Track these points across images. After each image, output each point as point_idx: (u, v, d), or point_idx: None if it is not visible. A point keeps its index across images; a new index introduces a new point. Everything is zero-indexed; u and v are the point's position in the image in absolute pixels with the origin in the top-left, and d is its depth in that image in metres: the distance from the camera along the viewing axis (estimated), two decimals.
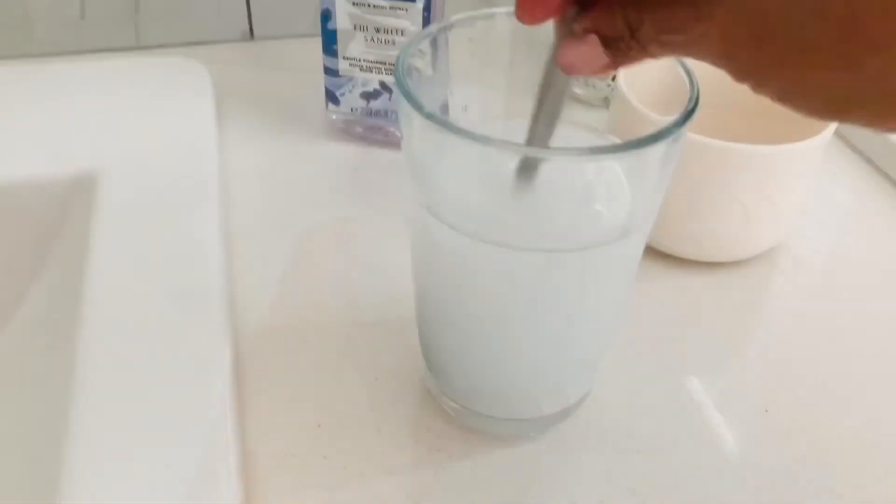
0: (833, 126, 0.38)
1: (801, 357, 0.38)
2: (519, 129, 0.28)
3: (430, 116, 0.24)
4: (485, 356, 0.31)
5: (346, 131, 0.48)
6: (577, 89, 0.48)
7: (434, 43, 0.30)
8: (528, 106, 0.32)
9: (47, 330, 0.39)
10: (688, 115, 0.24)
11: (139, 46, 0.55)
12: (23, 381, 0.39)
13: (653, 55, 0.21)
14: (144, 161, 0.42)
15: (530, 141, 0.26)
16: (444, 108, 0.37)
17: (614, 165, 0.26)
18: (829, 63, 0.18)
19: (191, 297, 0.35)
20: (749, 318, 0.40)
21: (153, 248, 0.38)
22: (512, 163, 0.27)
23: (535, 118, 0.26)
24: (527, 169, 0.26)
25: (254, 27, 0.57)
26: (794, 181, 0.39)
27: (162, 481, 0.28)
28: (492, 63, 0.32)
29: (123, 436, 0.30)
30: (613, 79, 0.46)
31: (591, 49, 0.22)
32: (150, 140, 0.43)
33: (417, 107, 0.25)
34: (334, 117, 0.48)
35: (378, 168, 0.47)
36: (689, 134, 0.37)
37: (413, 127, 0.26)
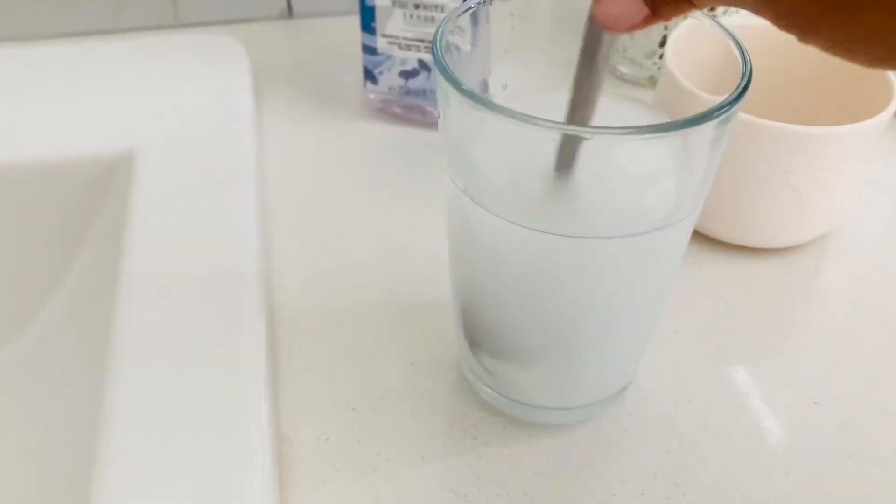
0: (892, 108, 0.36)
1: (853, 349, 0.36)
2: (561, 109, 0.27)
3: (467, 93, 0.24)
4: (523, 343, 0.30)
5: (385, 111, 0.48)
6: (622, 68, 0.47)
7: (474, 18, 0.29)
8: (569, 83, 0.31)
9: (84, 309, 0.40)
10: (741, 92, 0.23)
11: (177, 24, 0.55)
12: (60, 358, 0.39)
13: (692, 2, 0.20)
14: (181, 140, 0.42)
15: (569, 117, 0.25)
16: (485, 86, 0.36)
17: (661, 146, 0.24)
18: (886, 3, 0.16)
19: (227, 277, 0.35)
20: (799, 307, 0.38)
21: (190, 228, 0.37)
22: (553, 144, 0.26)
23: (575, 90, 0.24)
24: (566, 151, 0.25)
25: (292, 5, 0.56)
26: (848, 164, 0.37)
27: (195, 463, 0.28)
28: (533, 39, 0.31)
29: (156, 417, 0.29)
30: (660, 57, 0.44)
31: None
32: (187, 119, 0.43)
33: (454, 83, 0.24)
34: (372, 97, 0.47)
35: (416, 148, 0.46)
36: (741, 113, 0.35)
37: (450, 105, 0.25)
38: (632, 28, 0.21)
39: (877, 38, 0.17)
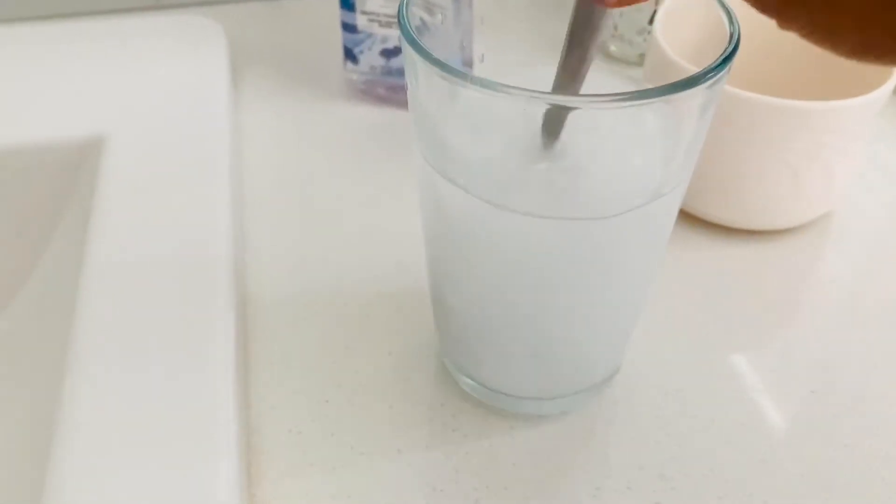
0: (892, 82, 0.35)
1: (851, 335, 0.34)
2: (542, 81, 0.25)
3: (436, 63, 0.22)
4: (502, 330, 0.28)
5: (367, 92, 0.46)
6: (613, 46, 0.45)
7: None
8: (551, 55, 0.30)
9: (54, 298, 0.38)
10: (728, 55, 0.21)
11: (157, 6, 0.53)
12: (30, 346, 0.38)
13: None
14: (154, 124, 0.40)
15: (556, 89, 0.24)
16: (468, 62, 0.34)
17: (646, 114, 0.23)
18: None
19: (197, 265, 0.34)
20: (795, 291, 0.37)
21: (160, 214, 0.36)
22: (532, 117, 0.24)
23: (563, 60, 0.23)
24: (552, 125, 0.24)
25: None
26: (848, 142, 0.36)
27: (159, 455, 0.27)
28: (511, 8, 0.29)
29: (120, 407, 0.28)
30: (650, 33, 0.42)
31: None
32: (161, 102, 0.42)
33: (422, 52, 0.22)
34: (354, 77, 0.46)
35: (399, 130, 0.44)
36: (734, 88, 0.34)
37: (418, 77, 0.24)
38: (620, 3, 0.20)
39: (857, 23, 0.15)
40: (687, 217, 0.39)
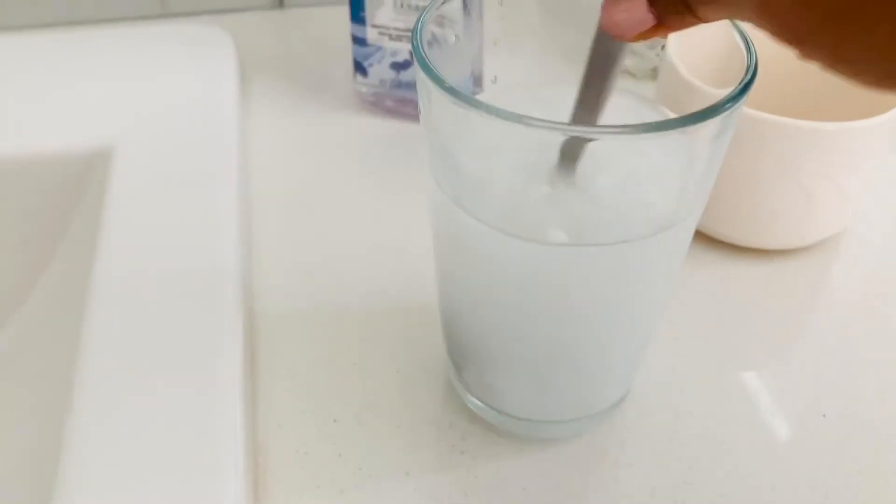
0: None
1: (865, 356, 0.34)
2: (555, 104, 0.25)
3: (448, 90, 0.22)
4: (513, 354, 0.28)
5: (376, 104, 0.46)
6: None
7: (466, 6, 0.27)
8: (564, 76, 0.29)
9: (59, 310, 0.38)
10: (745, 86, 0.21)
11: (164, 14, 0.53)
12: (34, 359, 0.38)
13: (698, 16, 0.19)
14: (162, 134, 0.40)
15: (574, 120, 0.24)
16: (478, 80, 0.34)
17: (662, 144, 0.23)
18: (892, 16, 0.15)
19: (204, 278, 0.33)
20: (808, 312, 0.36)
21: (167, 225, 0.36)
22: (547, 145, 0.24)
23: (582, 92, 0.23)
24: (570, 153, 0.24)
25: None
26: (860, 162, 0.35)
27: (163, 475, 0.27)
28: (524, 29, 0.29)
29: (125, 425, 0.28)
30: (663, 48, 0.42)
31: (635, 5, 0.19)
32: (168, 112, 0.41)
33: (435, 78, 0.22)
34: (364, 90, 0.45)
35: (408, 143, 0.44)
36: (746, 109, 0.33)
37: (431, 101, 0.23)
38: (639, 37, 0.20)
39: (885, 54, 0.15)
40: (698, 236, 0.38)
